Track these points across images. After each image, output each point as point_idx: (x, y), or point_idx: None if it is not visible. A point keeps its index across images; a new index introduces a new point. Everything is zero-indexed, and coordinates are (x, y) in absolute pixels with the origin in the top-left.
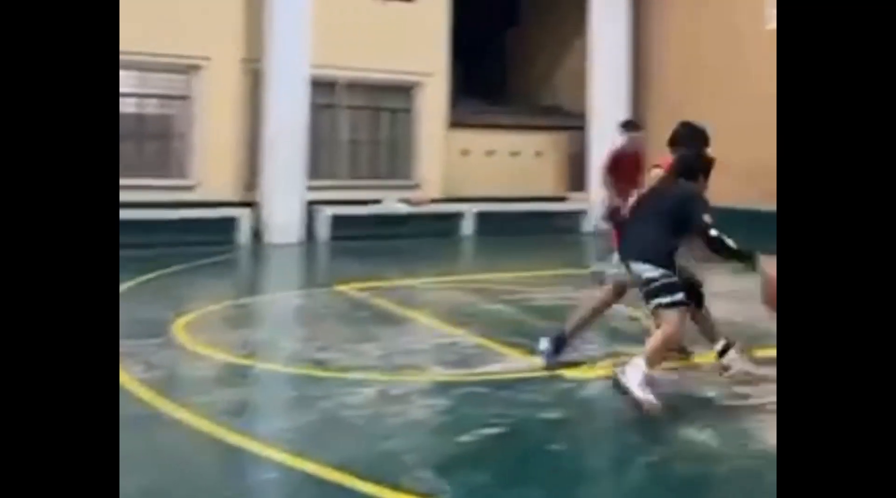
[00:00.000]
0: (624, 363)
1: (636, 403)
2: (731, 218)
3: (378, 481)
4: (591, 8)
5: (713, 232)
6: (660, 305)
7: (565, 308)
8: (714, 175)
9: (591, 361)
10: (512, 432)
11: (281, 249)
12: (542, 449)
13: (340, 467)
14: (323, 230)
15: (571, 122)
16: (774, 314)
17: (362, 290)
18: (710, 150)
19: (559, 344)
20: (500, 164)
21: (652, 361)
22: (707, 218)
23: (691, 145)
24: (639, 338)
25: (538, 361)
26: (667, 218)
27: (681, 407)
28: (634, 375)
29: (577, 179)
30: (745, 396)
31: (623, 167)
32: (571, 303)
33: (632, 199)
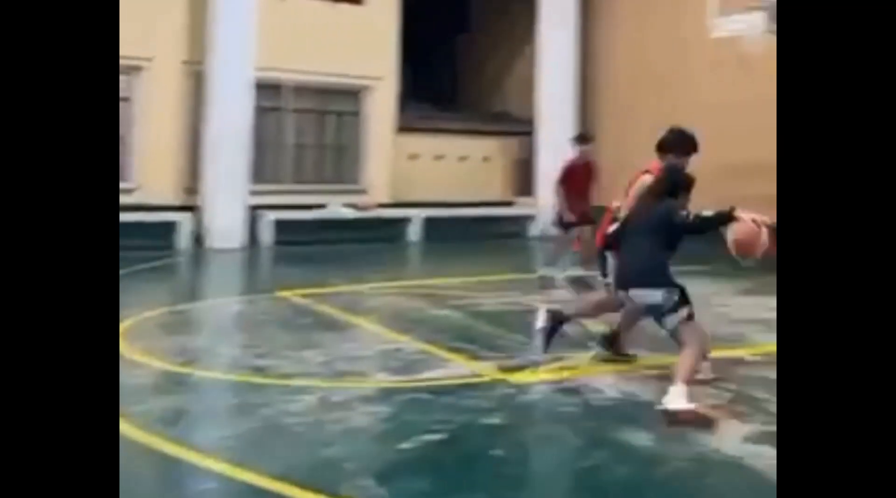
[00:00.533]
0: (665, 398)
1: (698, 422)
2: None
3: (318, 490)
4: (540, 16)
5: (690, 218)
6: (670, 333)
7: (512, 313)
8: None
9: (535, 366)
10: (454, 438)
11: (223, 254)
12: (484, 454)
13: (280, 477)
14: (266, 235)
15: (520, 127)
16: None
17: (305, 296)
18: (694, 158)
19: (554, 328)
20: (448, 169)
21: (688, 381)
22: (683, 214)
23: (679, 152)
24: (583, 342)
25: (482, 366)
26: (654, 237)
27: (621, 410)
28: (678, 401)
29: (524, 185)
30: None
31: (575, 178)
32: (518, 307)
33: (600, 213)
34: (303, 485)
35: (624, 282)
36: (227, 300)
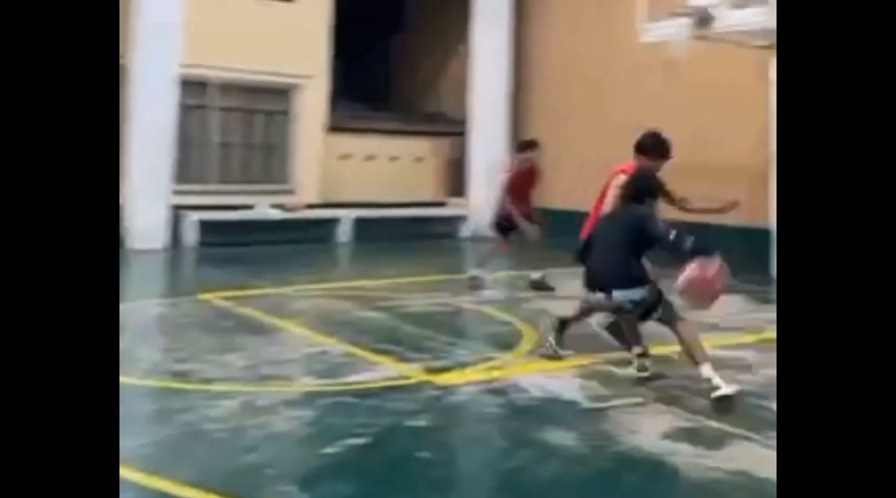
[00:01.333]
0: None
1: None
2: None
3: (238, 497)
4: (474, 17)
5: (672, 236)
6: (660, 320)
7: (439, 314)
8: (587, 182)
9: (461, 367)
10: (378, 442)
11: (144, 255)
12: (409, 457)
13: (198, 484)
14: (190, 236)
15: (453, 128)
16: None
17: (228, 298)
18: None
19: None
20: (379, 170)
21: (701, 356)
22: (665, 230)
23: (654, 155)
24: (511, 342)
25: (408, 368)
26: (627, 242)
27: (546, 410)
28: (710, 375)
29: (456, 185)
30: (607, 398)
31: (520, 185)
32: (446, 309)
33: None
34: (221, 492)
35: (602, 284)
36: (147, 302)
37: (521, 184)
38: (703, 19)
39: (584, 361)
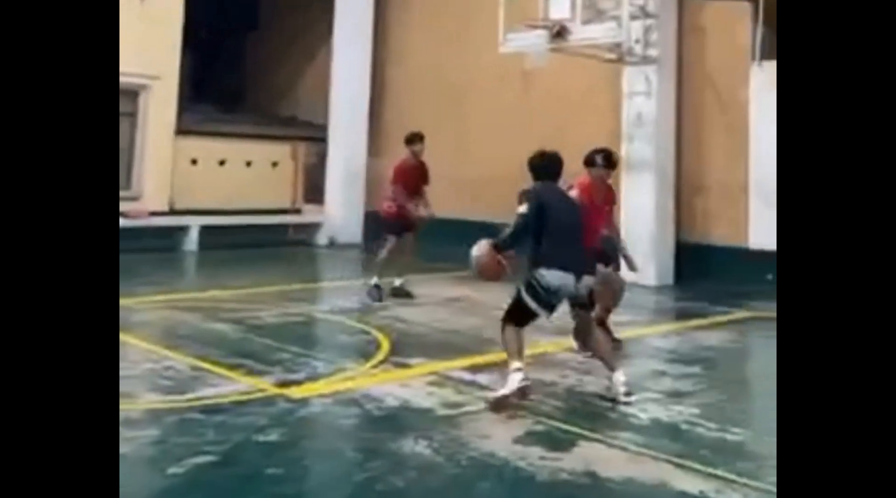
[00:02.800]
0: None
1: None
2: (464, 229)
3: None
4: (335, 19)
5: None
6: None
7: (292, 325)
8: (444, 188)
9: (314, 379)
10: (227, 459)
11: None
12: (259, 474)
13: None
14: None
15: (311, 132)
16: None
17: None
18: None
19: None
20: (232, 175)
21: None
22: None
23: (599, 167)
24: (367, 351)
25: (259, 381)
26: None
27: (400, 419)
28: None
29: (314, 191)
30: (461, 405)
31: (408, 178)
32: (298, 319)
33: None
34: None
35: (580, 270)
36: None
37: (410, 178)
38: (559, 32)
39: (438, 367)
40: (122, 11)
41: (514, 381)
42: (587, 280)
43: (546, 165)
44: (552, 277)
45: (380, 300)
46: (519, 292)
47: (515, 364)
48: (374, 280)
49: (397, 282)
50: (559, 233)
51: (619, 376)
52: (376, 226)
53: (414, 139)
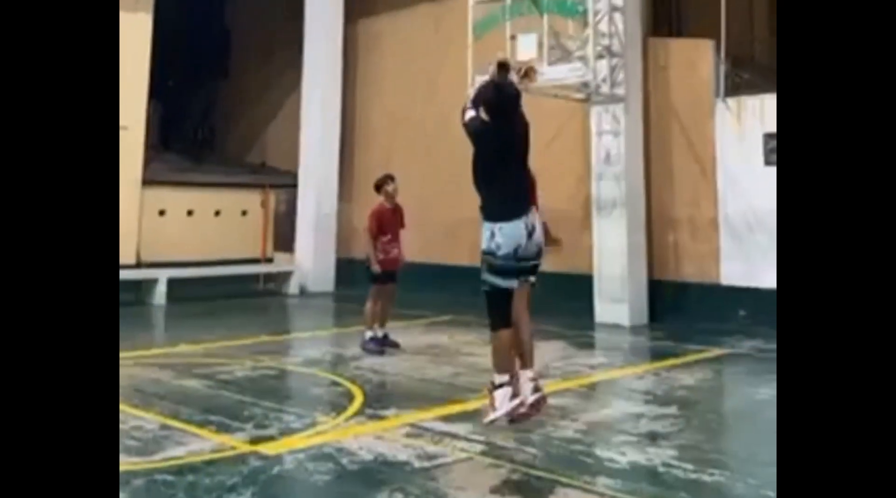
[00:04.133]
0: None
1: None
2: (436, 274)
3: None
4: (304, 66)
5: None
6: None
7: (263, 379)
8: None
9: (287, 434)
10: None
11: None
12: None
13: None
14: None
15: (281, 179)
16: None
17: None
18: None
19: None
20: (201, 225)
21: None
22: None
23: None
24: (340, 403)
25: (230, 438)
26: None
27: (375, 473)
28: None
29: (285, 240)
30: (436, 456)
31: (385, 224)
32: (270, 373)
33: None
34: None
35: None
36: None
37: (390, 223)
38: (527, 73)
39: (413, 418)
40: None
41: (502, 399)
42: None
43: None
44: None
45: (381, 352)
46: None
47: (499, 379)
48: (368, 333)
49: (380, 332)
50: None
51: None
52: (348, 273)
53: (385, 181)
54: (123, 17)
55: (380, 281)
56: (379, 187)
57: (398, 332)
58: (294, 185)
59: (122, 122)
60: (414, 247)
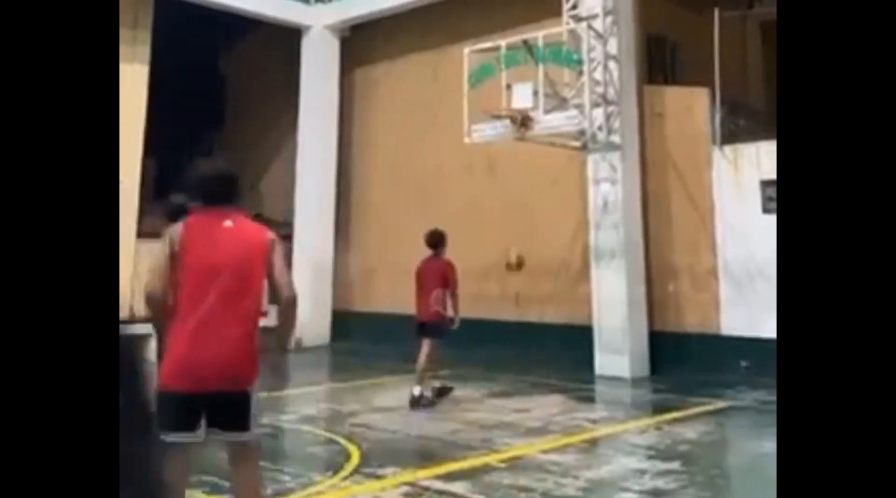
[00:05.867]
0: None
1: None
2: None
3: None
4: (300, 114)
5: None
6: None
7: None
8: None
9: (282, 494)
10: None
11: None
12: None
13: None
14: None
15: (276, 230)
16: None
17: None
18: None
19: None
20: None
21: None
22: None
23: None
24: (335, 462)
25: None
26: None
27: None
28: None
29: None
30: None
31: (441, 278)
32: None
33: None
34: None
35: None
36: None
37: (441, 278)
38: (523, 122)
39: (411, 476)
40: None
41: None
42: None
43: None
44: None
45: (432, 404)
46: None
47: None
48: (418, 389)
49: (437, 383)
50: None
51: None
52: (344, 326)
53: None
54: (121, 68)
55: (441, 335)
56: (444, 241)
57: (394, 387)
58: (289, 236)
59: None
60: (409, 296)
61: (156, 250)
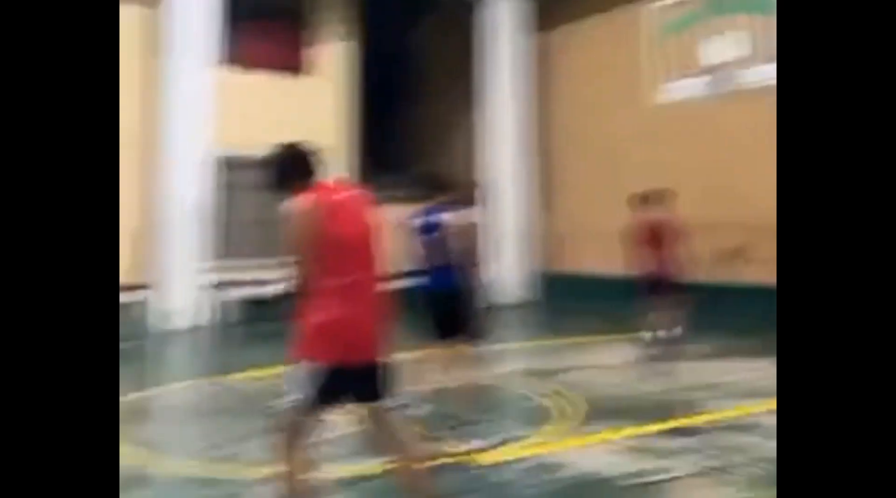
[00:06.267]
0: None
1: None
2: (626, 286)
3: None
4: (487, 90)
5: None
6: None
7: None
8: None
9: (506, 443)
10: None
11: (179, 335)
12: None
13: None
14: (231, 313)
15: (474, 191)
16: None
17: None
18: None
19: None
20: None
21: None
22: None
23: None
24: (551, 416)
25: (447, 448)
26: None
27: (593, 488)
28: None
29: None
30: (656, 472)
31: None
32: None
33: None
34: None
35: None
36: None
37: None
38: (722, 77)
39: (632, 431)
40: (298, 93)
41: None
42: None
43: None
44: None
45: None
46: None
47: None
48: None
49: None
50: None
51: None
52: (553, 286)
53: (651, 199)
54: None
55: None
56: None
57: (584, 350)
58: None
59: (330, 143)
60: (601, 258)
61: (296, 224)
